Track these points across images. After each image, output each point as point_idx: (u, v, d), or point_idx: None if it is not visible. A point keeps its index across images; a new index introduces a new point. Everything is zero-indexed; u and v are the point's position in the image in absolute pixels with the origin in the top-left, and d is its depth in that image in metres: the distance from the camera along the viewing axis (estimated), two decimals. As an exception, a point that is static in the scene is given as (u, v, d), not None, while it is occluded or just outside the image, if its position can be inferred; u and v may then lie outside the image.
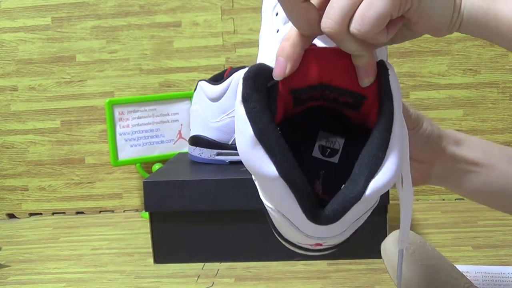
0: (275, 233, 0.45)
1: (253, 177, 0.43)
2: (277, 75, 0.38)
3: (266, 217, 0.44)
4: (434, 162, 0.52)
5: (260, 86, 0.38)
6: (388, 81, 0.38)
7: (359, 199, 0.35)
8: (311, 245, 0.41)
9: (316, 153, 0.45)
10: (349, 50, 0.37)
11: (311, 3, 0.37)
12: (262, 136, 0.35)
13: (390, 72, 0.39)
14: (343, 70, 0.38)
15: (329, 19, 0.36)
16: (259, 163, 0.35)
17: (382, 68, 0.39)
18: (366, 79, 0.38)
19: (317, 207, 0.36)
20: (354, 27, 0.35)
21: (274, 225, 0.43)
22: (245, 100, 0.37)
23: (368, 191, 0.35)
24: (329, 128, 0.46)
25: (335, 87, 0.39)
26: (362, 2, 0.35)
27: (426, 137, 0.51)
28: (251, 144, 0.36)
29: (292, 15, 0.37)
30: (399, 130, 0.37)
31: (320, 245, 0.40)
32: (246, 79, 0.37)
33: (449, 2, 0.40)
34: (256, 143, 0.36)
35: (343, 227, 0.38)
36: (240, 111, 0.37)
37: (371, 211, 0.41)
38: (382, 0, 0.35)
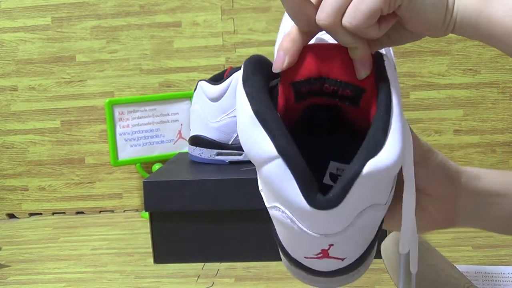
0: (282, 256, 0.45)
1: (259, 184, 0.43)
2: (275, 67, 0.40)
3: (275, 238, 0.44)
4: (457, 199, 0.50)
5: (260, 72, 0.40)
6: (384, 67, 0.40)
7: (357, 177, 0.34)
8: (317, 256, 0.39)
9: (327, 180, 0.46)
10: (343, 43, 0.39)
11: (309, 1, 0.39)
12: (260, 113, 0.36)
13: (384, 58, 0.40)
14: (341, 64, 0.40)
15: (324, 12, 0.38)
16: (257, 142, 0.36)
17: (377, 56, 0.41)
18: (363, 71, 0.40)
19: (317, 192, 0.36)
20: (346, 20, 0.38)
21: (280, 241, 0.43)
22: (245, 81, 0.38)
23: (366, 169, 0.35)
24: (331, 130, 0.46)
25: (333, 79, 0.40)
26: None
27: (443, 171, 0.49)
28: (250, 123, 0.36)
29: (291, 12, 0.39)
30: (398, 112, 0.38)
31: (327, 255, 0.39)
32: (246, 64, 0.40)
33: (440, 2, 0.41)
34: (255, 122, 0.36)
35: (346, 218, 0.37)
36: (240, 92, 0.38)
37: (377, 211, 0.39)
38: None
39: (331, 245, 0.38)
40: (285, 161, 0.35)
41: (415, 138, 0.47)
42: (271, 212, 0.40)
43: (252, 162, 0.38)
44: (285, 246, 0.42)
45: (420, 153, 0.48)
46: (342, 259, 0.40)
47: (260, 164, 0.36)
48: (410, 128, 0.45)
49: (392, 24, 0.41)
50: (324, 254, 0.39)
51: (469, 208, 0.51)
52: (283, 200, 0.37)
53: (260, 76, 0.39)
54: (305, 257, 0.40)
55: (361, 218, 0.38)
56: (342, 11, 0.38)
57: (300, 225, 0.37)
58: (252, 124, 0.36)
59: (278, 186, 0.36)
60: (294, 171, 0.35)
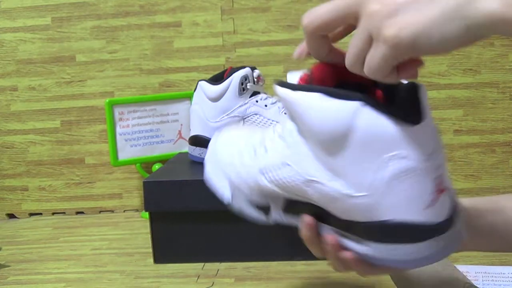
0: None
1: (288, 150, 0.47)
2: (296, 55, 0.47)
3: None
4: None
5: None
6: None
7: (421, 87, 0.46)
8: (437, 192, 0.43)
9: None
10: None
11: (326, 38, 0.44)
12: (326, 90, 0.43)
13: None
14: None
15: (348, 60, 0.42)
16: (331, 110, 0.42)
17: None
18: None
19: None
20: (365, 69, 0.41)
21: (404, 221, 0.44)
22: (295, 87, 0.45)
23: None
24: None
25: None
26: (369, 51, 0.40)
27: None
28: (320, 100, 0.43)
29: (310, 47, 0.45)
30: None
31: (440, 185, 0.43)
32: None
33: (458, 22, 0.35)
34: (323, 97, 0.43)
35: (434, 132, 0.43)
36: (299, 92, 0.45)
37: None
38: (380, 54, 0.38)
39: (440, 166, 0.43)
40: (368, 106, 0.41)
41: None
42: (391, 169, 0.42)
43: (322, 135, 0.43)
44: (410, 216, 0.43)
45: None
46: (448, 190, 0.44)
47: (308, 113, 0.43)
48: None
49: (413, 71, 0.41)
50: (439, 185, 0.43)
51: (470, 227, 0.51)
52: (395, 143, 0.41)
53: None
54: (426, 206, 0.42)
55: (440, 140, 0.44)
56: (361, 61, 0.41)
57: (416, 157, 0.41)
58: (325, 99, 0.42)
59: (381, 131, 0.41)
60: (381, 111, 0.41)
